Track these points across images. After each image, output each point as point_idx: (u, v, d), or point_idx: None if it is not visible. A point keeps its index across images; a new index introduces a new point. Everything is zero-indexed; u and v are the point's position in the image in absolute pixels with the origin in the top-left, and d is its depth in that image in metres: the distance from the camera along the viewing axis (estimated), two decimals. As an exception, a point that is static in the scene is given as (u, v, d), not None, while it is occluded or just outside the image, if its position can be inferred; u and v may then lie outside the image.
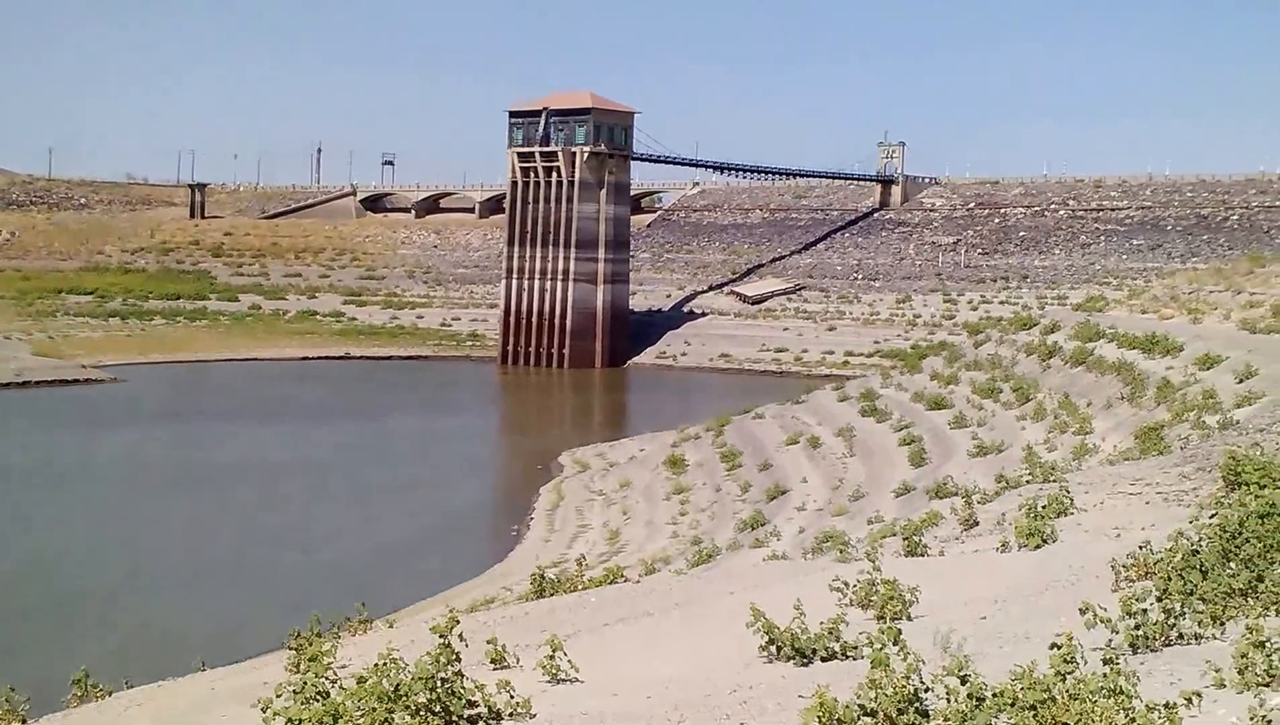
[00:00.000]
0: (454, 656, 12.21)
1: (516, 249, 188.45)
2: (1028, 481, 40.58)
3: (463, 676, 12.18)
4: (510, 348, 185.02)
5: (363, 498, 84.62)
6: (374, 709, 11.75)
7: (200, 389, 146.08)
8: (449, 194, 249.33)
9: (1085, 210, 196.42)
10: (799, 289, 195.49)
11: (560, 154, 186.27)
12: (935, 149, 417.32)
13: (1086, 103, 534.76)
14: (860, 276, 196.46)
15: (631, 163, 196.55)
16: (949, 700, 10.75)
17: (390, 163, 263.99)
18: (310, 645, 17.37)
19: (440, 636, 12.52)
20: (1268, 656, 10.89)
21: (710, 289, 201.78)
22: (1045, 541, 22.69)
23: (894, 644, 11.62)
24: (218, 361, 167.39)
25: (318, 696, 12.30)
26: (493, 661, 16.12)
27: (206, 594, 62.15)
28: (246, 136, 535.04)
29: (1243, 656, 10.93)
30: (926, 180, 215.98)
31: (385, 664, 12.26)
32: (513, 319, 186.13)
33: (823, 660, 14.98)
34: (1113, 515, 25.40)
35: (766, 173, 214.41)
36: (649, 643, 18.77)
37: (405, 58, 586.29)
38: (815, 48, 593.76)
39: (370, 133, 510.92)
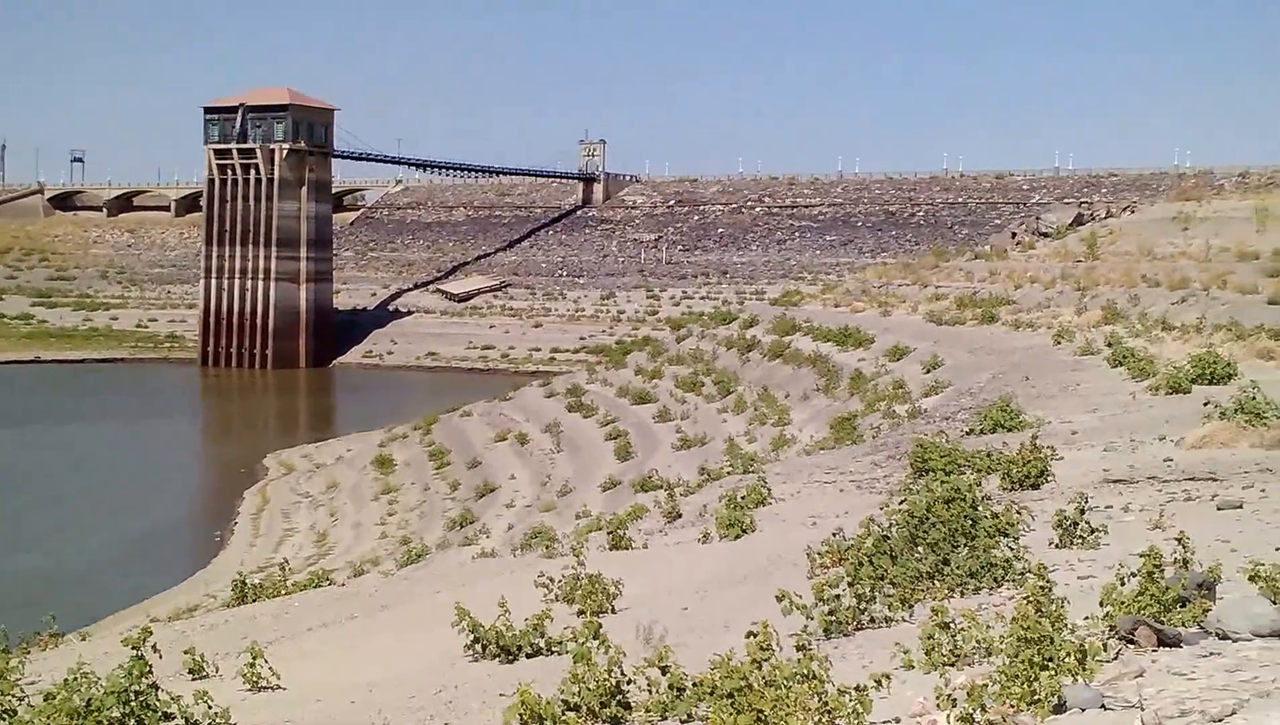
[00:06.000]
0: (147, 668, 11.84)
1: (215, 248, 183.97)
2: (729, 473, 41.46)
3: (158, 689, 11.82)
4: (211, 349, 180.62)
5: (57, 507, 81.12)
6: (64, 726, 11.34)
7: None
8: (143, 192, 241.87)
9: (780, 207, 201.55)
10: (505, 286, 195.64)
11: (259, 151, 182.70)
12: (635, 147, 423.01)
13: (778, 100, 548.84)
14: (565, 273, 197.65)
15: (333, 160, 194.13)
16: (651, 691, 10.92)
17: (80, 160, 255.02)
18: (-4, 663, 16.63)
19: (133, 648, 12.14)
20: (952, 637, 11.31)
21: (416, 287, 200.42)
22: (745, 531, 23.17)
23: (595, 638, 11.73)
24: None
25: (4, 715, 11.85)
26: (191, 672, 15.76)
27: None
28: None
29: (929, 638, 11.33)
30: (628, 178, 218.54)
31: (75, 679, 11.83)
32: (213, 319, 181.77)
33: (528, 657, 15.06)
34: (809, 504, 26.10)
35: (470, 171, 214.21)
36: (354, 646, 18.58)
37: (94, 51, 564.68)
38: (514, 45, 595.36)
39: (57, 129, 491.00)
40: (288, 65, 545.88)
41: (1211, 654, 9.36)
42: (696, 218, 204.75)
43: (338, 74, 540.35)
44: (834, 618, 13.69)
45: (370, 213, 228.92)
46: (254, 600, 26.01)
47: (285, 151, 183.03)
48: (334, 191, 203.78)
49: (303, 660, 16.97)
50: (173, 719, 11.91)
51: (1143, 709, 8.09)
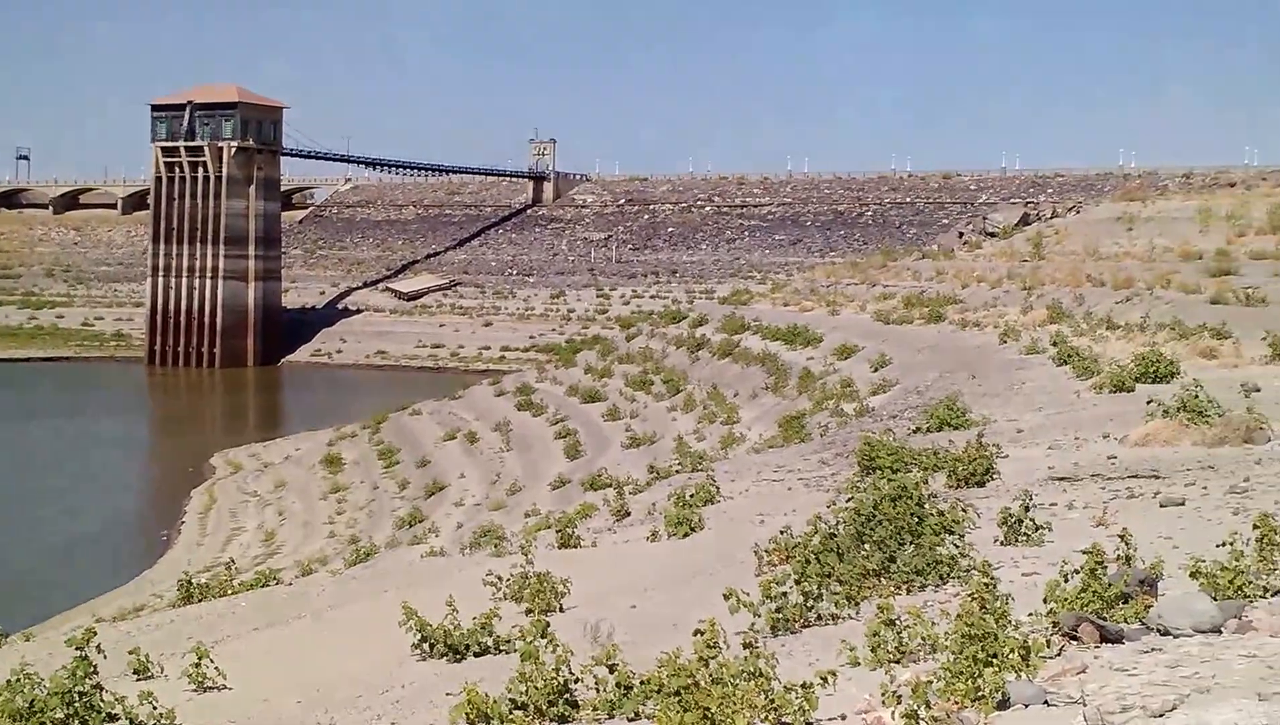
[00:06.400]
0: (91, 669, 11.77)
1: (162, 246, 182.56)
2: (678, 471, 41.53)
3: (102, 689, 11.75)
4: (158, 347, 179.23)
5: (1, 507, 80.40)
6: (7, 728, 11.27)
7: None
8: (90, 190, 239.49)
9: (730, 207, 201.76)
10: (454, 285, 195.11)
11: (206, 149, 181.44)
12: (585, 146, 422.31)
13: (728, 100, 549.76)
14: (515, 272, 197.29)
15: (281, 158, 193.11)
16: (598, 690, 10.93)
17: (25, 157, 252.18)
18: (-62, 665, 16.47)
19: (77, 649, 12.06)
20: (898, 634, 11.37)
21: (365, 286, 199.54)
22: (693, 530, 23.22)
23: (543, 637, 11.73)
24: None
25: (-55, 718, 11.72)
26: (136, 672, 15.66)
27: None
28: None
29: (875, 635, 11.39)
30: (578, 177, 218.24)
31: (19, 680, 11.75)
32: (160, 318, 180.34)
33: (476, 656, 15.03)
34: (757, 502, 26.18)
35: (419, 169, 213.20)
36: (301, 646, 18.50)
37: (39, 48, 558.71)
38: (464, 43, 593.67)
39: (2, 127, 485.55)
40: (236, 62, 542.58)
41: (1153, 650, 9.45)
42: (646, 217, 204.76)
43: (287, 72, 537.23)
44: (781, 615, 13.75)
45: (319, 211, 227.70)
46: (200, 600, 25.86)
47: (233, 149, 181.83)
48: (283, 190, 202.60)
49: (249, 660, 16.89)
50: (117, 720, 11.85)
51: (1085, 705, 8.16)
